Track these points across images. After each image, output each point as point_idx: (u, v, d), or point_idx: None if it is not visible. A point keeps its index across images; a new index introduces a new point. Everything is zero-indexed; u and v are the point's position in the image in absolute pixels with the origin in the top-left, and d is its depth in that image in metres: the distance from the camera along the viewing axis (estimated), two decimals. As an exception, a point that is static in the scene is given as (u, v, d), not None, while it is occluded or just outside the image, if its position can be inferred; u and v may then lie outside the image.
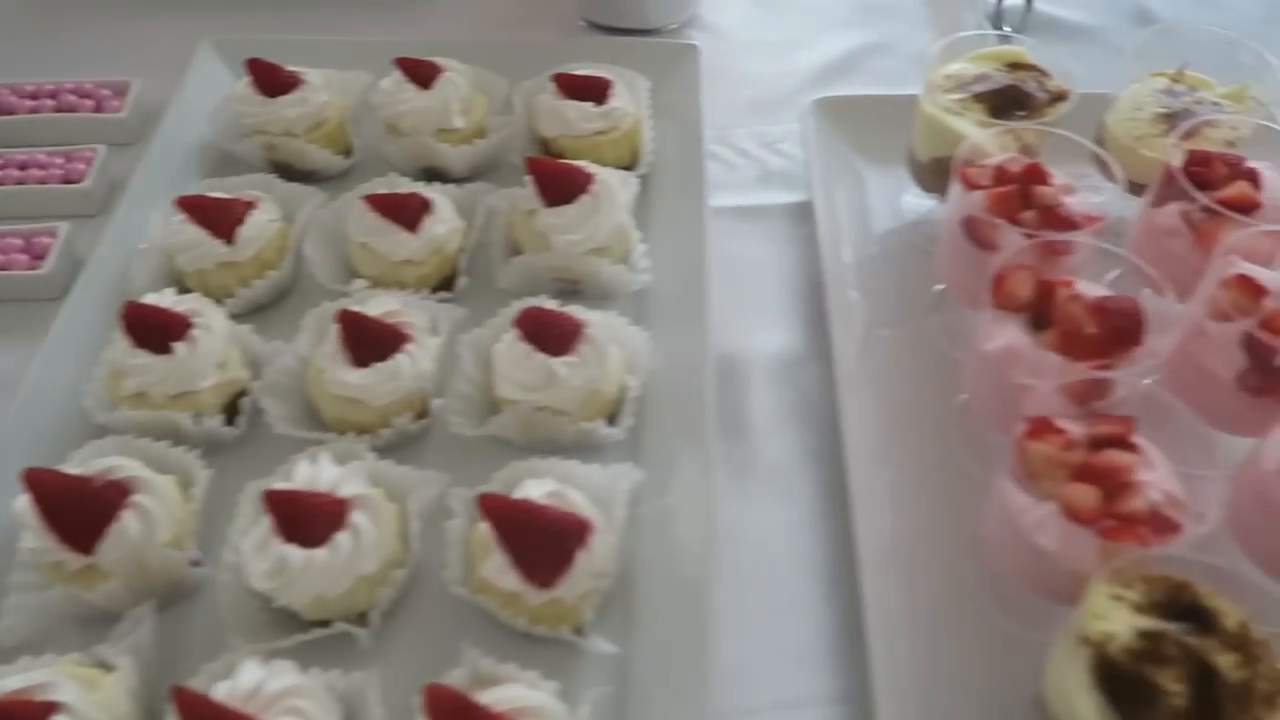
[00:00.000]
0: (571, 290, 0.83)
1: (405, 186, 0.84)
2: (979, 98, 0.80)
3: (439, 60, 0.91)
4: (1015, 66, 0.83)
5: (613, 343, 0.75)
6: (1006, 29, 1.08)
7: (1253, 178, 0.75)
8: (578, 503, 0.65)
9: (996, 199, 0.73)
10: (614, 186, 0.82)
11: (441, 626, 0.65)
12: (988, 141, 0.78)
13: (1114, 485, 0.59)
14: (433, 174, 0.91)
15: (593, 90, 0.89)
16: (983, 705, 0.63)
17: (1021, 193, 0.74)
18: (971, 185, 0.75)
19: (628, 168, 0.91)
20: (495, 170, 0.94)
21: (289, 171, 0.91)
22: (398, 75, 0.90)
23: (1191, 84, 0.85)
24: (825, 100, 0.96)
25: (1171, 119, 0.82)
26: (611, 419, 0.74)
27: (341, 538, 0.62)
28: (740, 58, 1.10)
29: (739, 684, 0.66)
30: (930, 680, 0.64)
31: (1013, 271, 0.69)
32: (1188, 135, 0.80)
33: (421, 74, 0.89)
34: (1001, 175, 0.75)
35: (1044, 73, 0.82)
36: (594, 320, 0.74)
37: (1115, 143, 0.83)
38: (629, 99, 0.92)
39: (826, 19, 1.14)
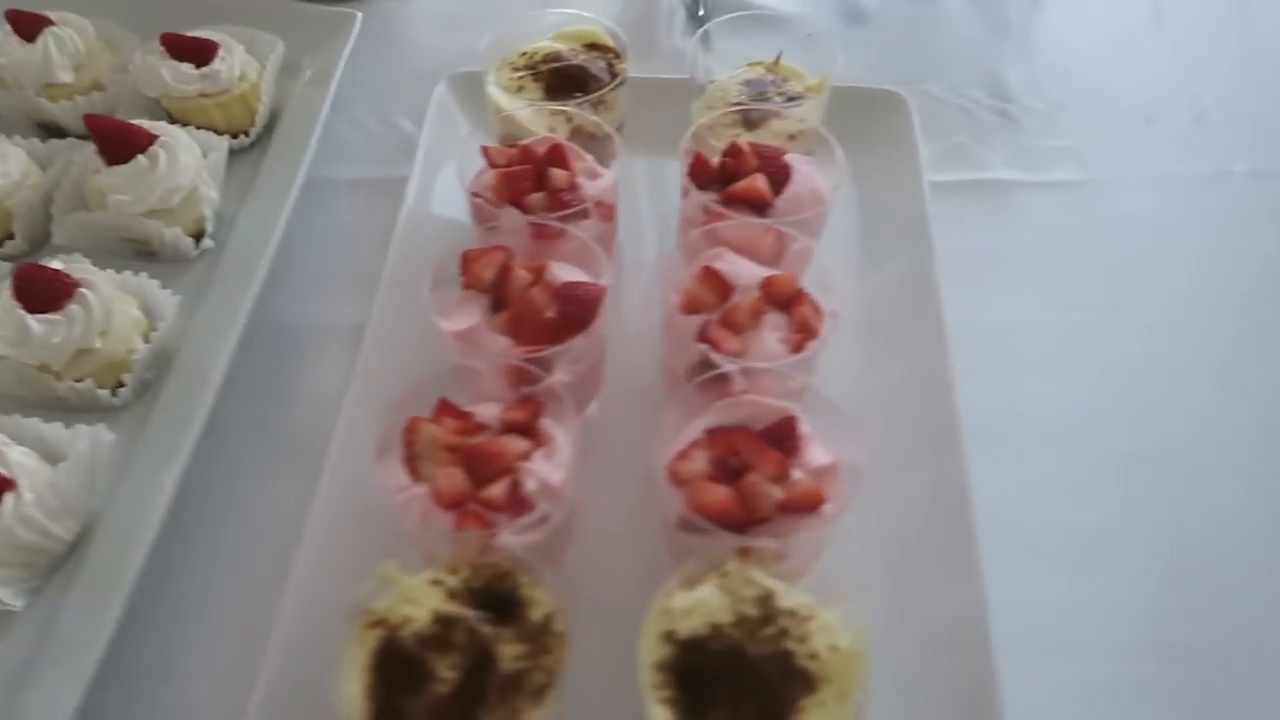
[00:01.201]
0: (146, 252, 0.83)
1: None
2: (538, 76, 0.79)
3: (53, 14, 0.90)
4: (592, 47, 0.81)
5: (128, 305, 0.74)
6: (702, 12, 1.06)
7: (783, 172, 0.73)
8: (12, 459, 0.65)
9: (504, 179, 0.71)
10: (178, 149, 0.81)
11: None
12: (532, 121, 0.77)
13: (487, 472, 0.58)
14: (49, 129, 0.90)
15: (197, 52, 0.88)
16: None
17: (536, 174, 0.72)
18: (491, 164, 0.73)
19: (243, 132, 0.91)
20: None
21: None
22: (5, 27, 0.89)
23: (784, 74, 0.83)
24: (458, 76, 0.94)
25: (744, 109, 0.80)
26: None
27: None
28: (431, 29, 1.08)
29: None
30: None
31: (481, 253, 0.68)
32: (752, 125, 0.79)
33: (25, 26, 0.88)
34: (524, 155, 0.74)
35: (617, 55, 0.80)
36: (99, 282, 0.73)
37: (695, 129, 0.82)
38: (245, 63, 0.91)
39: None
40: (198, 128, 0.88)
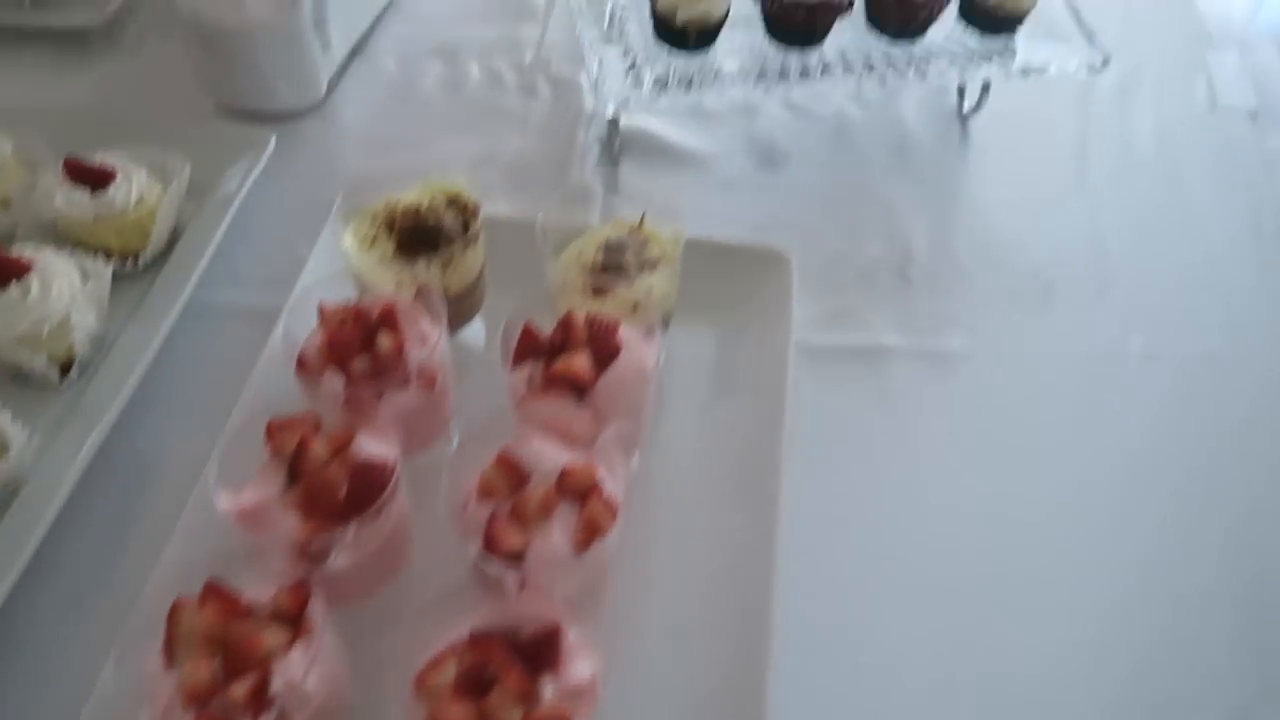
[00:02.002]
0: (19, 375, 0.85)
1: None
2: (392, 229, 0.80)
3: (-32, 129, 0.94)
4: (454, 202, 0.82)
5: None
6: (617, 151, 1.07)
7: (611, 350, 0.72)
8: None
9: (329, 341, 0.72)
10: (53, 278, 0.84)
11: None
12: (381, 276, 0.77)
13: (237, 665, 0.58)
14: (-42, 242, 0.94)
15: (94, 177, 0.91)
16: None
17: (364, 337, 0.73)
18: (323, 322, 0.74)
19: (135, 255, 0.94)
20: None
21: None
22: (-84, 141, 0.93)
23: (646, 236, 0.83)
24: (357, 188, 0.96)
25: (594, 273, 0.80)
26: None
27: None
28: (351, 149, 1.11)
29: None
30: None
31: (287, 421, 0.68)
32: (600, 291, 0.79)
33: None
34: (358, 316, 0.74)
35: (474, 213, 0.81)
36: None
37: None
38: (145, 187, 0.93)
39: (454, 120, 1.13)
40: (93, 250, 0.92)
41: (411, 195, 0.82)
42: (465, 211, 0.81)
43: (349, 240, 0.79)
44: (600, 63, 0.95)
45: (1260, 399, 0.90)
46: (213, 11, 1.03)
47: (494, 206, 1.02)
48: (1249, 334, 0.95)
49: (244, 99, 1.11)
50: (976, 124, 1.12)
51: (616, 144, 1.05)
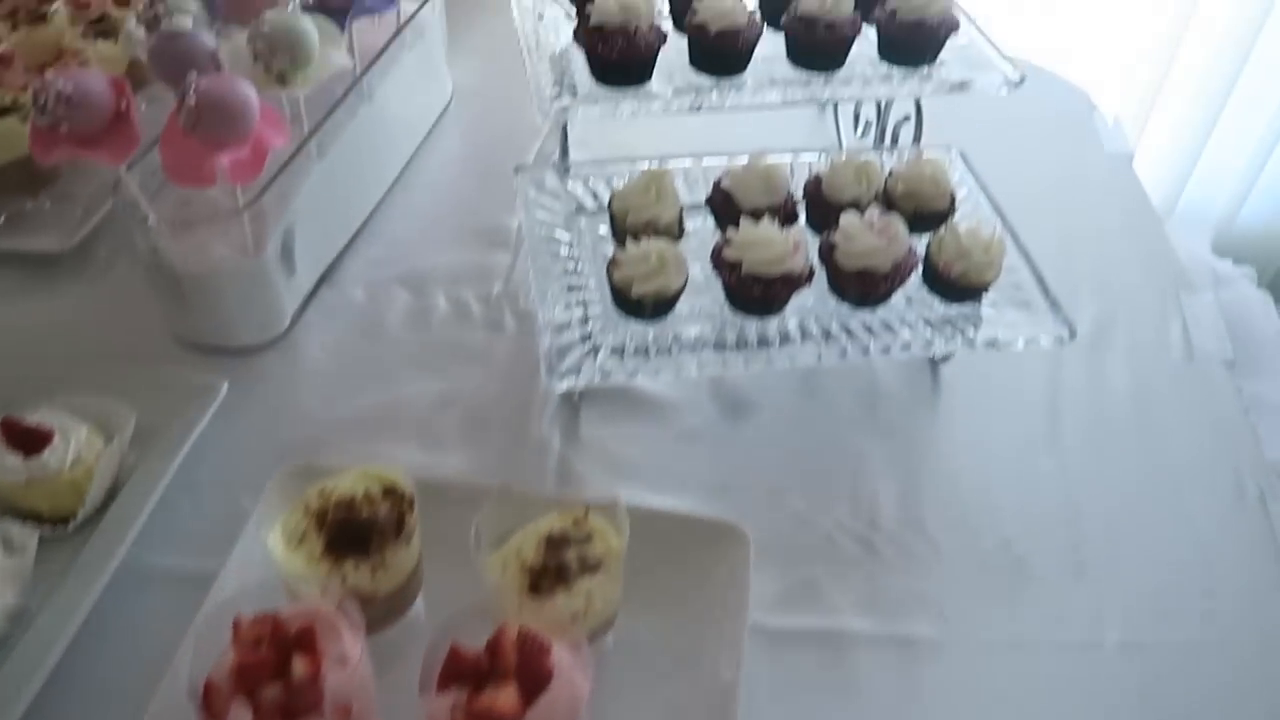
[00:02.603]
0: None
1: None
2: (322, 525, 0.76)
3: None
4: (390, 491, 0.78)
5: None
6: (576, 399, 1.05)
7: (543, 676, 0.67)
8: None
9: (239, 666, 0.68)
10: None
11: None
12: (307, 577, 0.74)
13: None
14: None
15: (29, 441, 0.88)
16: None
17: (279, 659, 0.68)
18: (236, 641, 0.70)
19: (67, 518, 0.90)
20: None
21: None
22: None
23: (590, 530, 0.79)
24: (295, 470, 0.92)
25: (533, 574, 0.76)
26: None
27: None
28: (308, 391, 1.08)
29: None
30: None
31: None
32: (538, 592, 0.74)
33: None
34: (275, 632, 0.70)
35: (410, 505, 0.77)
36: None
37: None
38: (84, 446, 0.91)
39: (417, 358, 1.12)
40: (21, 514, 0.89)
41: (347, 482, 0.79)
42: (401, 503, 0.78)
43: (274, 540, 0.75)
44: (551, 334, 0.94)
45: (1244, 695, 0.85)
46: (174, 254, 1.03)
47: (448, 459, 1.01)
48: (1232, 620, 0.90)
49: (203, 336, 1.10)
50: (948, 371, 1.10)
51: (577, 393, 1.03)
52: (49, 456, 0.88)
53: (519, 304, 1.18)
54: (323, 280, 1.19)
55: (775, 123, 1.33)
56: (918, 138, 1.17)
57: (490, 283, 1.21)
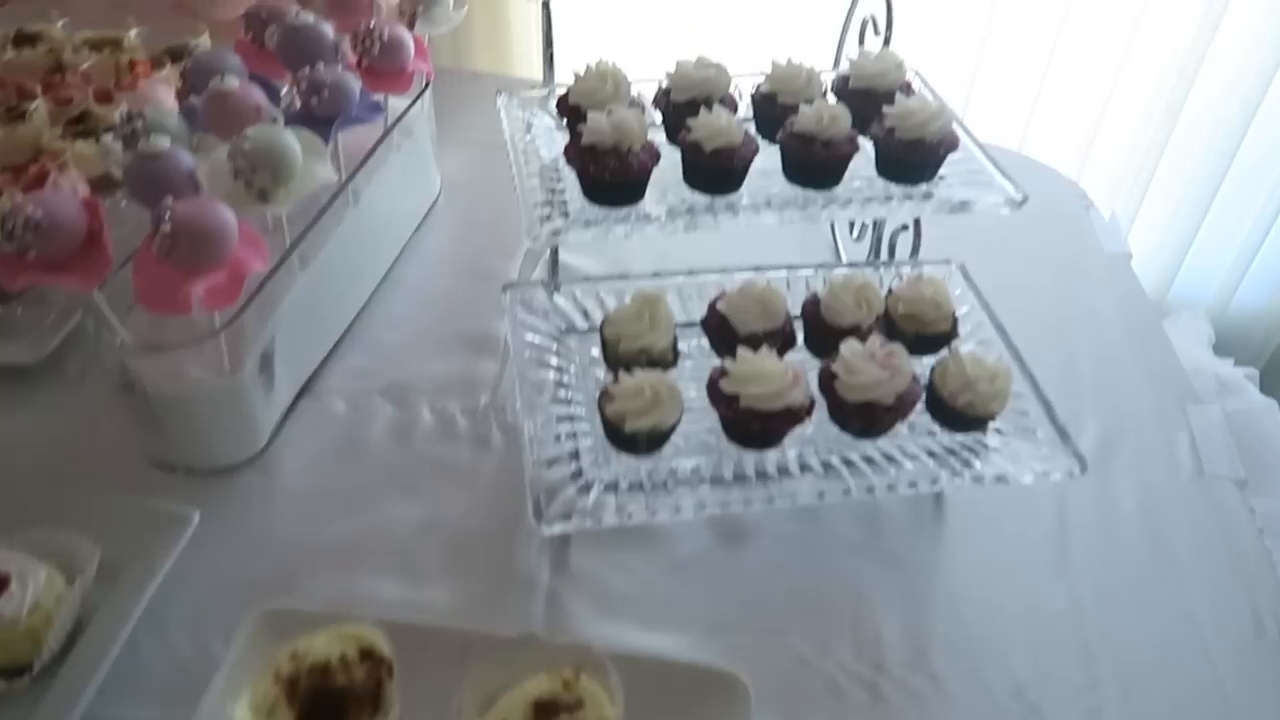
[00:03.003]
0: None
1: None
2: (294, 694, 0.71)
3: None
4: (368, 655, 0.74)
5: None
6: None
7: None
8: None
9: None
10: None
11: None
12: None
13: None
14: None
15: (-18, 588, 0.83)
16: None
17: None
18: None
19: (24, 669, 0.84)
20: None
21: None
22: None
23: (581, 694, 0.74)
24: (268, 614, 0.87)
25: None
26: None
27: None
28: (289, 517, 1.03)
29: None
30: None
31: None
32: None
33: None
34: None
35: (389, 671, 0.73)
36: None
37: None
38: (42, 590, 0.85)
39: (400, 478, 1.07)
40: (-25, 664, 0.83)
41: (321, 644, 0.74)
42: (379, 669, 0.73)
43: (241, 713, 0.70)
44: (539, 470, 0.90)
45: None
46: (147, 376, 0.99)
47: (430, 594, 0.96)
48: (1258, 774, 0.85)
49: (177, 456, 1.05)
50: (951, 493, 1.06)
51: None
52: (4, 604, 0.83)
53: (506, 417, 1.14)
54: (303, 391, 1.15)
55: (770, 228, 1.31)
56: (916, 249, 1.14)
57: (476, 394, 1.17)
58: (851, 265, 1.15)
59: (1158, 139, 2.00)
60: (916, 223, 1.14)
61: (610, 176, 0.93)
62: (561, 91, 1.08)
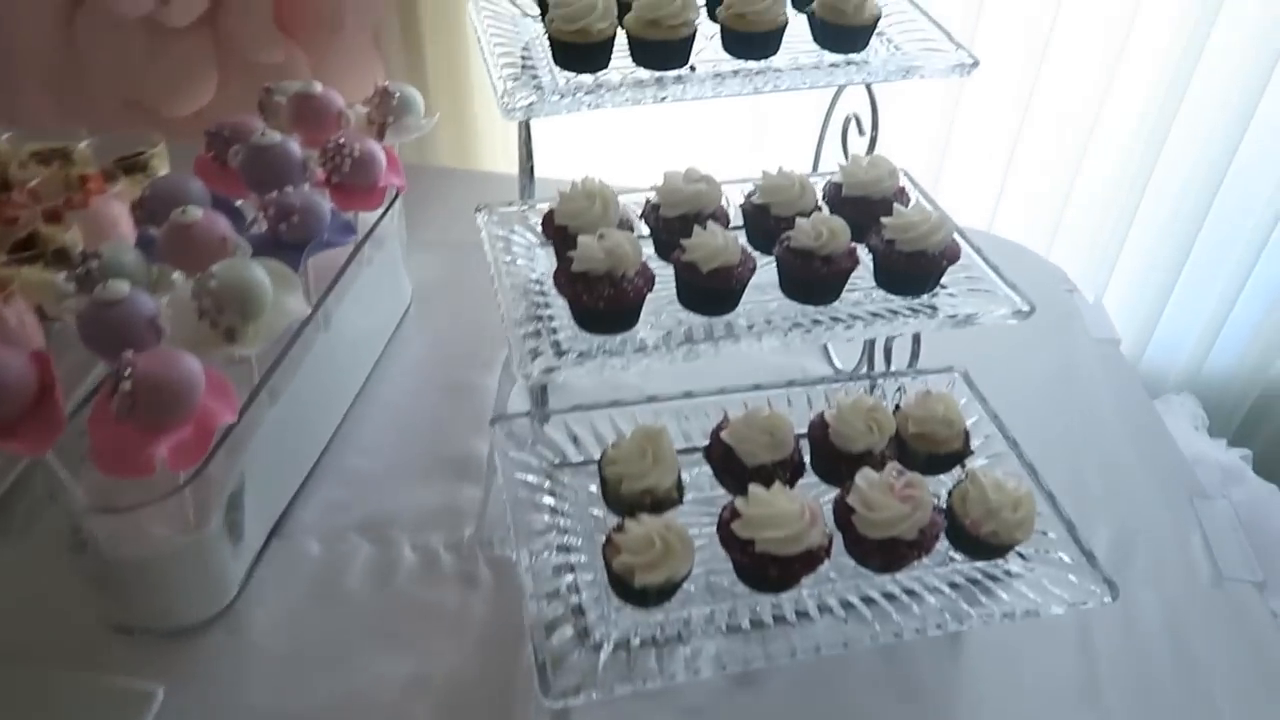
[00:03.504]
0: None
1: None
2: None
3: None
4: None
5: None
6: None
7: None
8: None
9: None
10: None
11: None
12: None
13: None
14: None
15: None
16: None
17: None
18: None
19: None
20: None
21: None
22: None
23: None
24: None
25: None
26: None
27: None
28: (263, 681, 0.94)
29: None
30: None
31: None
32: None
33: None
34: None
35: None
36: None
37: None
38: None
39: (380, 627, 0.99)
40: None
41: None
42: None
43: None
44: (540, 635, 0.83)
45: None
46: (104, 537, 0.90)
47: None
48: None
49: (137, 620, 0.96)
50: (968, 616, 1.01)
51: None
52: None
53: (493, 550, 1.07)
54: (273, 532, 1.07)
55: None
56: (915, 356, 1.10)
57: (460, 525, 1.09)
58: (853, 377, 1.11)
59: (1126, 208, 2.00)
60: (916, 336, 1.11)
61: (605, 305, 0.88)
62: (543, 207, 1.04)
